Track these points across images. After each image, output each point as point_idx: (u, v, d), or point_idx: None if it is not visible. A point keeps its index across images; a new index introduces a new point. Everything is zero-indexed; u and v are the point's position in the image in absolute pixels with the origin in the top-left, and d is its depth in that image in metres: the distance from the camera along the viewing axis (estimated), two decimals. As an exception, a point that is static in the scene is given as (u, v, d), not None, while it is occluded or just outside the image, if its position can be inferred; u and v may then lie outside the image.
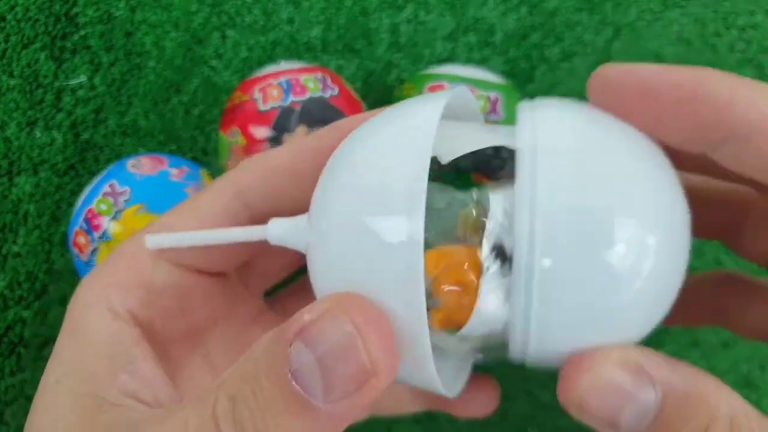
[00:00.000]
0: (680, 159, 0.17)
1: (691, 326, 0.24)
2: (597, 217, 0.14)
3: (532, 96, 0.39)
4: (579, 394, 0.14)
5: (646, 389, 0.14)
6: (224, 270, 0.20)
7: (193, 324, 0.20)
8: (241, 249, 0.19)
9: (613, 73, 0.16)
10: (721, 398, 0.14)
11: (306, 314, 0.14)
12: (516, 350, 0.15)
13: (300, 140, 0.19)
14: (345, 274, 0.15)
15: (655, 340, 0.24)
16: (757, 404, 0.36)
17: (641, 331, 0.15)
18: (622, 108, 0.16)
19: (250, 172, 0.19)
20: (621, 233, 0.14)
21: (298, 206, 0.18)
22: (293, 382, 0.13)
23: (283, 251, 0.18)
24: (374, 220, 0.14)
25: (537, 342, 0.14)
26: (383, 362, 0.13)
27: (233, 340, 0.21)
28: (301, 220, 0.17)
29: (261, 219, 0.19)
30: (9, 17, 0.40)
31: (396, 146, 0.14)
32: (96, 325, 0.18)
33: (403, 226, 0.14)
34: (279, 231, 0.17)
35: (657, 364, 0.14)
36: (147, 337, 0.18)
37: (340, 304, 0.14)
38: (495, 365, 0.19)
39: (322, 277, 0.16)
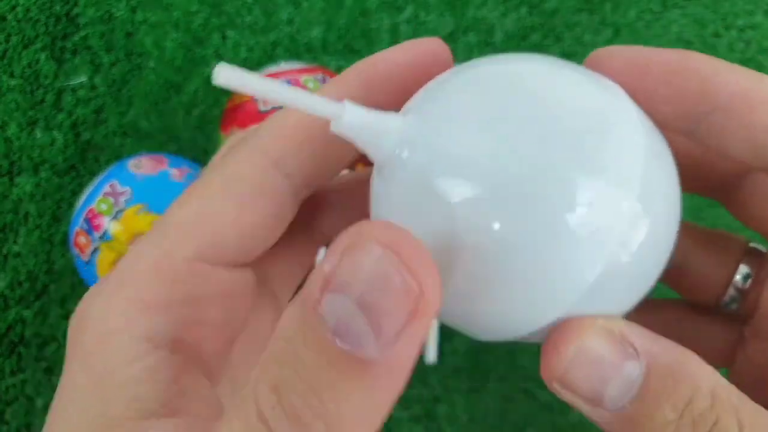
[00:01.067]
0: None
1: None
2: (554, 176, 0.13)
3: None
4: (564, 366, 0.13)
5: (631, 361, 0.13)
6: (251, 258, 0.17)
7: (233, 332, 0.17)
8: (273, 225, 0.16)
9: (603, 54, 0.16)
10: (704, 373, 0.14)
11: (326, 264, 0.11)
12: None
13: (333, 89, 0.16)
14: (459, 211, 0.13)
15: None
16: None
17: (629, 303, 0.15)
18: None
19: (283, 138, 0.16)
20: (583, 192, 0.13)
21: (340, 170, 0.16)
22: (337, 342, 0.11)
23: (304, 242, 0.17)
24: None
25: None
26: (427, 277, 0.12)
27: (258, 349, 0.18)
28: (392, 119, 0.14)
29: (302, 191, 0.17)
30: (10, 17, 0.40)
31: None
32: (129, 361, 0.14)
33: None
34: (359, 120, 0.14)
35: (641, 335, 0.14)
36: (193, 359, 0.15)
37: (361, 234, 0.12)
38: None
39: (410, 203, 0.14)
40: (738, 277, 0.20)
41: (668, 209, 0.15)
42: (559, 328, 0.14)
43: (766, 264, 0.19)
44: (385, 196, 0.15)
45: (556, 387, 0.14)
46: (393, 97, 0.16)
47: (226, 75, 0.13)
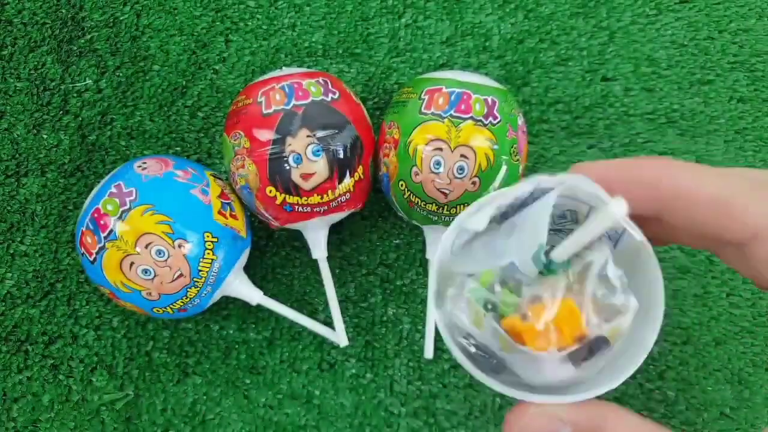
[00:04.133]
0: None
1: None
2: None
3: (528, 100, 0.39)
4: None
5: (562, 429, 0.19)
6: None
7: None
8: None
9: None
10: (618, 423, 0.18)
11: None
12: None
13: None
14: None
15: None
16: (749, 400, 0.36)
17: None
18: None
19: None
20: None
21: None
22: None
23: None
24: None
25: None
26: None
27: None
28: None
29: None
30: (16, 21, 0.40)
31: None
32: None
33: None
34: None
35: (569, 410, 0.19)
36: None
37: None
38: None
39: None
40: None
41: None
42: (511, 411, 0.19)
43: None
44: None
45: None
46: None
47: None
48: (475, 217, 0.21)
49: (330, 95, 0.32)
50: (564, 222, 0.22)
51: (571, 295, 0.19)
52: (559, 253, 0.19)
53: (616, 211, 0.17)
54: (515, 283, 0.20)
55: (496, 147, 0.31)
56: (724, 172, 0.19)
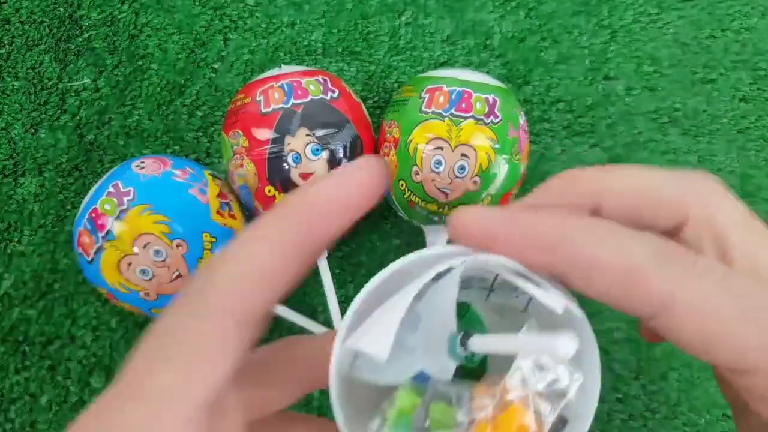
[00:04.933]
0: None
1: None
2: None
3: (529, 99, 0.39)
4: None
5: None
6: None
7: None
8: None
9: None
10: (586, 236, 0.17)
11: None
12: None
13: (275, 231, 0.17)
14: None
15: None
16: (751, 401, 0.36)
17: None
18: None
19: (241, 292, 0.16)
20: None
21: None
22: None
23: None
24: None
25: None
26: None
27: None
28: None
29: (255, 332, 0.17)
30: (13, 20, 0.40)
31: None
32: None
33: None
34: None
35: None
36: None
37: None
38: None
39: None
40: None
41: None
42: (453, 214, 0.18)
43: None
44: None
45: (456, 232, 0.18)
46: (331, 233, 0.17)
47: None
48: (376, 339, 0.17)
49: (329, 94, 0.32)
50: (471, 280, 0.19)
51: (513, 396, 0.16)
52: (479, 345, 0.17)
53: (563, 351, 0.14)
54: (443, 394, 0.17)
55: (497, 146, 0.30)
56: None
